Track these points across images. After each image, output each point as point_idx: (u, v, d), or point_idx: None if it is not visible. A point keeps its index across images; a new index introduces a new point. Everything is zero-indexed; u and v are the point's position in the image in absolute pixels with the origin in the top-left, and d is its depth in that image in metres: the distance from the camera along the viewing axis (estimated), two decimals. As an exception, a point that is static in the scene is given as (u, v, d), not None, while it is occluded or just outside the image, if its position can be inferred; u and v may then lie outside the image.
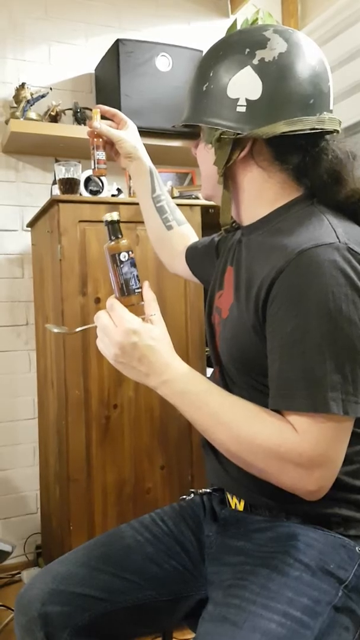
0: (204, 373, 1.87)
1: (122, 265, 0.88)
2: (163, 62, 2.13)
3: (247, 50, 0.88)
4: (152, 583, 0.99)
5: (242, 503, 0.97)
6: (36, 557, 2.29)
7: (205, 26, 2.58)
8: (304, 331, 0.79)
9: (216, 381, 1.00)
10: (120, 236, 0.90)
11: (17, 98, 2.15)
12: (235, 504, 0.99)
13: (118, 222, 0.90)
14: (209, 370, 1.91)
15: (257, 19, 2.09)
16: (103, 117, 1.27)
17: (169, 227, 1.31)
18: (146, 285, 0.91)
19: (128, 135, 1.27)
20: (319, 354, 0.78)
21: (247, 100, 0.88)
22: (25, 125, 2.07)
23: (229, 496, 1.01)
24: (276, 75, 0.87)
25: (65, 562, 1.01)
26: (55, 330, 1.07)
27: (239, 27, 2.12)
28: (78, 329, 1.02)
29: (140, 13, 2.47)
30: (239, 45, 0.89)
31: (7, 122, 2.13)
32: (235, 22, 2.14)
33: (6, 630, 1.86)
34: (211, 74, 0.90)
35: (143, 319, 0.88)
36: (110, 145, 1.27)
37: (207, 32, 2.55)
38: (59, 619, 0.93)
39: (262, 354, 0.86)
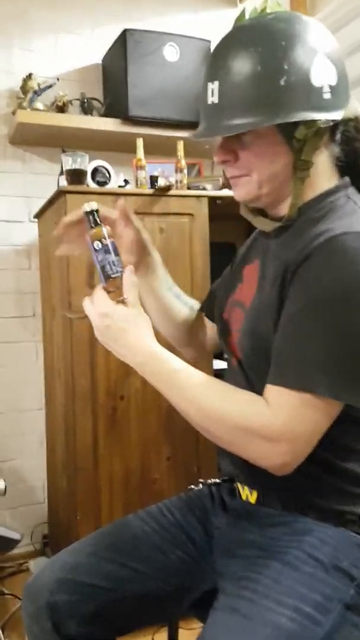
0: (210, 365, 1.87)
1: (97, 254, 0.92)
2: (171, 52, 2.12)
3: (309, 37, 0.86)
4: (159, 572, 1.00)
5: (254, 495, 0.97)
6: (43, 546, 2.31)
7: (213, 15, 2.56)
8: (309, 313, 0.81)
9: (235, 374, 1.00)
10: (93, 225, 0.93)
11: (24, 88, 2.15)
12: (247, 496, 0.99)
13: (93, 211, 0.94)
14: (216, 362, 1.91)
15: (265, 7, 2.06)
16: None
17: (192, 308, 1.19)
18: (128, 269, 0.93)
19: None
20: (317, 336, 0.80)
21: (330, 86, 0.86)
22: (32, 116, 2.07)
23: (239, 487, 1.01)
24: (338, 59, 0.89)
25: (72, 552, 1.02)
26: (71, 316, 1.11)
27: (247, 16, 2.09)
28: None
29: (147, 2, 2.45)
30: (299, 33, 0.86)
31: (14, 112, 2.13)
32: (243, 12, 2.10)
33: (14, 619, 1.88)
34: (286, 67, 0.84)
35: (119, 302, 0.91)
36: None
37: (215, 22, 2.53)
38: (67, 608, 0.94)
39: None
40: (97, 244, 0.92)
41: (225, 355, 1.08)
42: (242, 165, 0.91)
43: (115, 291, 0.92)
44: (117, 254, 0.93)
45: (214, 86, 0.89)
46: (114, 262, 0.92)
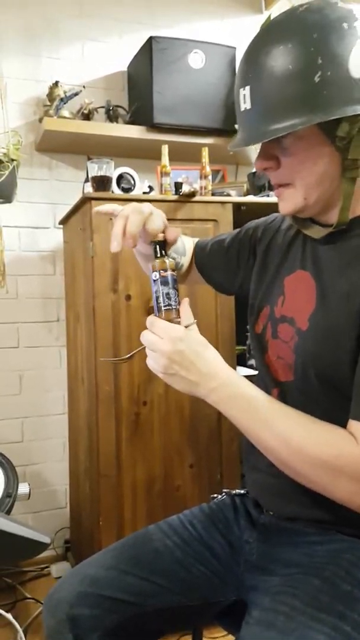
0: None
1: (153, 284, 0.93)
2: (196, 59, 2.12)
3: (346, 24, 0.78)
4: (181, 587, 0.98)
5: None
6: (65, 551, 2.31)
7: (239, 22, 2.56)
8: None
9: (272, 394, 0.95)
10: (157, 256, 0.94)
11: (50, 96, 2.17)
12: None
13: (156, 243, 0.94)
14: (239, 369, 1.90)
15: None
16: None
17: (182, 267, 1.19)
18: (184, 302, 0.91)
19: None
20: None
21: None
22: (59, 124, 2.09)
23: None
24: None
25: (93, 564, 1.00)
26: (110, 359, 1.05)
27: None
28: (129, 354, 1.02)
29: (173, 10, 2.47)
30: (333, 23, 0.78)
31: (40, 120, 2.16)
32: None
33: (35, 623, 1.88)
34: (320, 61, 0.77)
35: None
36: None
37: (241, 29, 2.53)
38: (88, 621, 0.93)
39: None
40: (155, 275, 0.92)
41: (255, 371, 1.04)
42: (285, 172, 0.86)
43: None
44: (174, 287, 0.92)
45: (245, 92, 0.84)
46: (167, 295, 0.91)
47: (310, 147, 0.83)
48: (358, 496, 0.78)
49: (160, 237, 0.94)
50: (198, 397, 0.87)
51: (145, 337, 0.88)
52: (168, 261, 0.93)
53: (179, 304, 0.91)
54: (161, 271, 0.92)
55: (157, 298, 0.91)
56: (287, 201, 0.88)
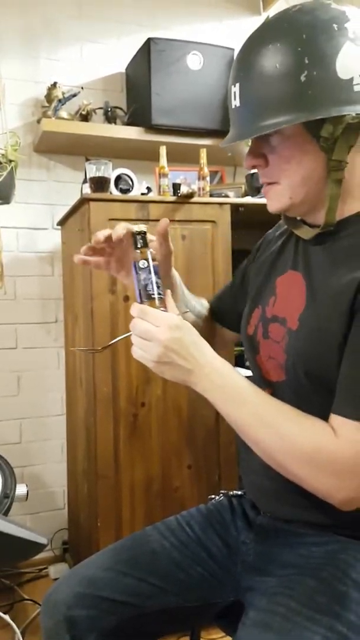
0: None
1: (141, 272, 0.92)
2: (194, 61, 2.12)
3: (336, 26, 0.79)
4: (178, 588, 0.98)
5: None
6: (63, 552, 2.31)
7: (237, 24, 2.57)
8: None
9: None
10: (139, 246, 0.94)
11: (49, 97, 2.18)
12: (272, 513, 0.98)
13: (139, 233, 0.94)
14: (238, 369, 1.90)
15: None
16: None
17: (202, 317, 1.17)
18: (168, 293, 0.91)
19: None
20: None
21: None
22: (57, 125, 2.09)
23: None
24: None
25: (91, 565, 1.00)
26: (83, 349, 1.05)
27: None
28: (110, 343, 1.01)
29: (171, 11, 2.47)
30: (323, 24, 0.79)
31: (39, 121, 2.16)
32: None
33: (33, 625, 1.88)
34: (307, 61, 0.78)
35: None
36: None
37: (239, 30, 2.54)
38: (85, 622, 0.93)
39: None
40: (143, 263, 0.92)
41: (251, 373, 1.04)
42: (272, 170, 0.87)
43: None
44: (159, 276, 0.92)
45: (235, 89, 0.85)
46: (156, 284, 0.91)
47: (296, 146, 0.84)
48: (335, 491, 0.79)
49: (142, 228, 0.94)
50: (195, 394, 0.87)
51: (139, 326, 0.84)
52: (149, 252, 0.93)
53: (164, 294, 0.91)
54: (147, 260, 0.92)
55: (146, 286, 0.90)
56: (273, 199, 0.90)
